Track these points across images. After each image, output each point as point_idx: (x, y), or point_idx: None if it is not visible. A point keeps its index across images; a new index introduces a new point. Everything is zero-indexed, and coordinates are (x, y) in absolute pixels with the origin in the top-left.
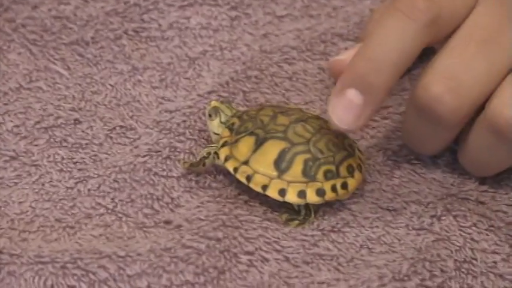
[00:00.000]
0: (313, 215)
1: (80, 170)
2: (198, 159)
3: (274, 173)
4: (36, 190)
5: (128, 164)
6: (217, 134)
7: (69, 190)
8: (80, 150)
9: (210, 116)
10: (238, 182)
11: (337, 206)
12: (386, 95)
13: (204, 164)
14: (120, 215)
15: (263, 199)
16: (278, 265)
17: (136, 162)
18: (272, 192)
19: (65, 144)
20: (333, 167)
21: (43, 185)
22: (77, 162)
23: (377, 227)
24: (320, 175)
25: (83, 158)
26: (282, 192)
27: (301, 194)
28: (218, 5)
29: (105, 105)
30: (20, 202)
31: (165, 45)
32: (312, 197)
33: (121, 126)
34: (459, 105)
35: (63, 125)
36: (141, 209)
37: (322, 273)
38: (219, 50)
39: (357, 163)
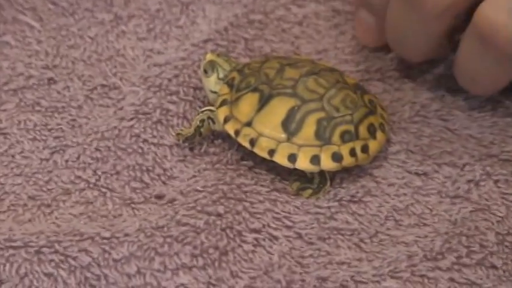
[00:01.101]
0: (328, 183)
1: (55, 138)
2: (192, 129)
3: (283, 136)
4: (5, 163)
5: (111, 130)
6: (215, 93)
7: (44, 162)
8: (56, 114)
9: (205, 72)
10: (241, 146)
11: (357, 172)
12: None
13: (200, 134)
14: (103, 189)
15: (270, 165)
16: (289, 243)
17: (121, 127)
18: (280, 158)
19: (37, 108)
20: (351, 127)
21: (13, 156)
22: (52, 129)
23: (404, 194)
24: (336, 137)
25: (59, 124)
26: (292, 157)
27: (315, 159)
28: None
29: (83, 61)
30: None
31: None
32: (327, 163)
33: (103, 85)
34: None
35: (35, 86)
36: (128, 182)
37: (341, 251)
38: None
39: (379, 122)
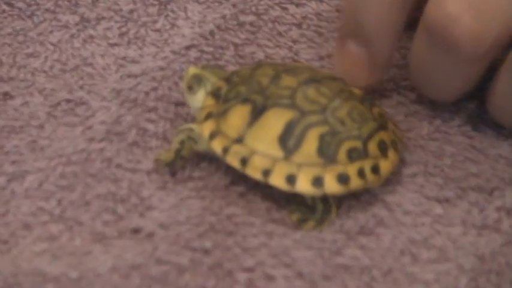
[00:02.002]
0: (334, 212)
1: (13, 162)
2: (171, 153)
3: (280, 153)
4: None
5: (78, 153)
6: None
7: (0, 191)
8: (13, 135)
9: (190, 88)
10: (230, 167)
11: (367, 198)
12: (390, 44)
13: (181, 157)
14: (70, 223)
15: (265, 191)
16: (288, 284)
17: (91, 149)
18: (277, 180)
19: None
20: (359, 144)
21: None
22: (8, 152)
23: (422, 224)
24: (342, 155)
25: (17, 146)
26: (291, 179)
27: (317, 181)
28: None
29: (45, 72)
30: None
31: None
32: (331, 186)
33: (68, 101)
34: (481, 30)
35: None
36: (99, 214)
37: None
38: None
39: (390, 138)
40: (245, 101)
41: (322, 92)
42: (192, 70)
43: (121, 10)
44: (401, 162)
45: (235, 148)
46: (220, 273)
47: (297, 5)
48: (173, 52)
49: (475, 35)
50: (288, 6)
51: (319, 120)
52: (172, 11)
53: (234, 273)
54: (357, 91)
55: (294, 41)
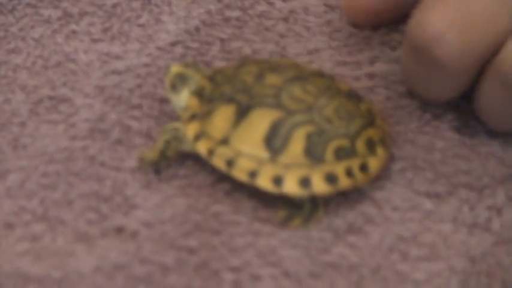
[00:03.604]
0: (321, 210)
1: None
2: (156, 153)
3: (266, 155)
4: None
5: (61, 151)
6: None
7: None
8: None
9: (173, 87)
10: (216, 168)
11: (355, 195)
12: None
13: (166, 157)
14: (53, 222)
15: (252, 189)
16: (275, 283)
17: (74, 147)
18: (263, 181)
19: None
20: (346, 142)
21: None
22: None
23: (411, 220)
24: (329, 154)
25: None
26: (278, 180)
27: (305, 182)
28: None
29: (27, 68)
30: None
31: None
32: (319, 186)
33: (50, 98)
34: (466, 46)
35: None
36: (82, 213)
37: None
38: None
39: (379, 135)
40: (229, 101)
41: (308, 90)
42: (175, 69)
43: (104, 5)
44: (390, 159)
45: (221, 150)
46: (206, 273)
47: (284, 0)
48: (158, 48)
49: (460, 51)
50: (274, 0)
51: (306, 119)
52: (157, 6)
53: (220, 273)
54: (344, 87)
55: (281, 36)
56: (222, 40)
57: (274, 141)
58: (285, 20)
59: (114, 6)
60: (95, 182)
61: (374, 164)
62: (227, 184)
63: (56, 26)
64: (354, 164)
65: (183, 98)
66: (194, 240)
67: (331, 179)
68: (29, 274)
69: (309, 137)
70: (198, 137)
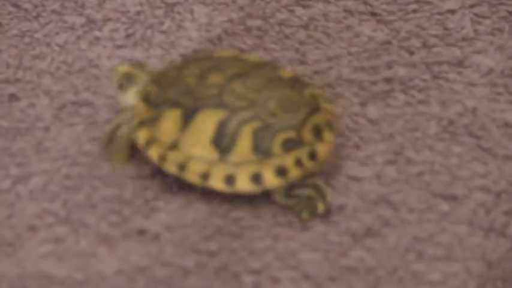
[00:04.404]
0: (326, 189)
1: (18, 165)
2: (106, 134)
3: (215, 155)
4: None
5: (84, 154)
6: None
7: (5, 193)
8: (18, 137)
9: (121, 86)
10: None
11: (373, 198)
12: None
13: (119, 143)
14: (75, 225)
15: (271, 195)
16: (294, 286)
17: (96, 151)
18: (216, 182)
19: None
20: (293, 133)
21: None
22: (14, 154)
23: (428, 221)
24: (277, 147)
25: (22, 148)
26: (230, 179)
27: (256, 178)
28: None
29: (51, 73)
30: None
31: None
32: (271, 180)
33: (73, 103)
34: None
35: None
36: (105, 215)
37: None
38: None
39: (325, 119)
40: (175, 105)
41: (251, 86)
42: (122, 69)
43: (128, 12)
44: (408, 161)
45: (172, 155)
46: (226, 276)
47: (304, 7)
48: (180, 55)
49: None
50: (295, 8)
51: (250, 116)
52: (179, 13)
53: (240, 276)
54: (286, 74)
55: (301, 43)
56: (242, 50)
57: (222, 141)
58: (305, 27)
59: (138, 13)
60: (116, 185)
61: (322, 149)
62: None
63: (79, 32)
64: (303, 153)
65: (130, 97)
66: (215, 244)
67: (281, 171)
68: (52, 276)
69: (255, 133)
70: (148, 144)
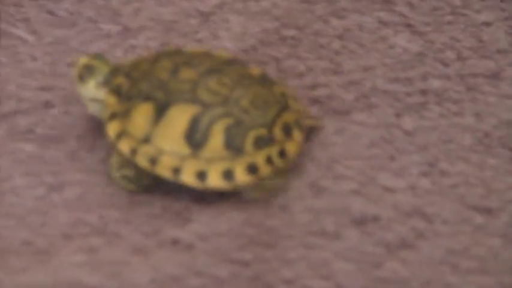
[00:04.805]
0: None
1: (53, 173)
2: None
3: (187, 150)
4: None
5: None
6: (97, 101)
7: (39, 201)
8: (53, 145)
9: (81, 78)
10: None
11: (407, 209)
12: None
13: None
14: (110, 236)
15: (304, 204)
16: None
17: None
18: (187, 177)
19: (31, 136)
20: (264, 131)
21: (3, 194)
22: (47, 161)
23: (462, 234)
24: (249, 145)
25: (57, 156)
26: (201, 175)
27: (228, 174)
28: None
29: None
30: None
31: None
32: (242, 177)
33: None
34: None
35: (29, 111)
36: (139, 227)
37: None
38: (242, 0)
39: (293, 118)
40: (147, 98)
41: (224, 82)
42: (83, 60)
43: (163, 20)
44: (442, 173)
45: (143, 148)
46: (259, 286)
47: (339, 18)
48: None
49: None
50: (329, 18)
51: (223, 112)
52: (214, 22)
53: (273, 286)
54: (256, 72)
55: (336, 53)
56: (277, 59)
57: (194, 137)
58: (340, 37)
59: (173, 22)
60: (151, 194)
61: (292, 148)
62: (281, 199)
63: (115, 40)
64: (273, 151)
65: (91, 88)
66: (248, 254)
67: (252, 169)
68: (85, 284)
69: (227, 130)
70: (119, 136)
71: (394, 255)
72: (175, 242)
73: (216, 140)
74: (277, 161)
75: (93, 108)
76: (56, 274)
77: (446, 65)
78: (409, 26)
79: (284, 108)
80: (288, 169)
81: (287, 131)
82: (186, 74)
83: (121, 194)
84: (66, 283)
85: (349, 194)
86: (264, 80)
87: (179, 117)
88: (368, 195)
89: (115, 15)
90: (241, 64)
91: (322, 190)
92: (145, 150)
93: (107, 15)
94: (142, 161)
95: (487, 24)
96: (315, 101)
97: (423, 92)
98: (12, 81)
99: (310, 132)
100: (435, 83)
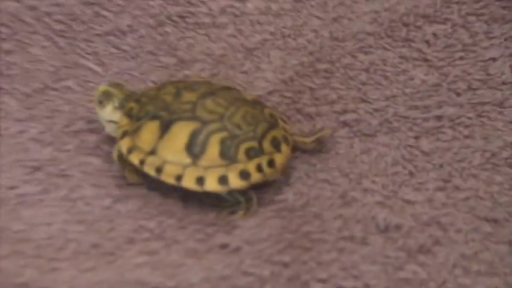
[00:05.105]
0: (255, 201)
1: (118, 186)
2: (117, 163)
3: (188, 160)
4: (66, 208)
5: (175, 189)
6: (113, 122)
7: (106, 210)
8: None
9: (100, 102)
10: (305, 192)
11: (425, 219)
12: None
13: (129, 165)
14: (168, 241)
15: (336, 212)
16: None
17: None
18: (188, 183)
19: (98, 152)
20: (255, 143)
21: (74, 202)
22: (113, 175)
23: (473, 240)
24: (241, 154)
25: (121, 172)
26: (200, 180)
27: (223, 179)
28: None
29: None
30: (48, 224)
31: (216, 33)
32: (235, 182)
33: None
34: None
35: (96, 130)
36: (192, 234)
37: None
38: (281, 38)
39: (282, 134)
40: (154, 117)
41: (218, 103)
42: (102, 88)
43: (213, 54)
44: (455, 188)
45: (150, 159)
46: (297, 284)
47: (365, 53)
48: (258, 96)
49: None
50: (357, 54)
51: (219, 127)
52: (257, 56)
53: (309, 284)
54: (249, 97)
55: (363, 84)
56: (311, 89)
57: (194, 148)
58: (366, 70)
59: (222, 55)
60: (202, 210)
61: (279, 159)
62: (316, 207)
63: (172, 71)
64: (263, 160)
65: (108, 111)
66: (287, 256)
67: (244, 175)
68: (147, 282)
69: (222, 142)
70: (130, 150)
71: (414, 259)
72: (224, 246)
73: (213, 151)
74: (267, 169)
75: (109, 129)
76: (121, 273)
77: (458, 94)
78: (426, 60)
79: (273, 125)
80: (277, 178)
81: (275, 144)
82: (187, 96)
83: (177, 205)
84: (130, 281)
85: (375, 205)
86: (256, 103)
87: (181, 132)
88: (391, 206)
89: (171, 49)
90: (236, 90)
91: (351, 201)
92: (152, 161)
93: (165, 49)
94: (149, 170)
95: (494, 59)
96: (345, 124)
97: (438, 118)
98: (83, 106)
99: (322, 142)
100: (449, 110)
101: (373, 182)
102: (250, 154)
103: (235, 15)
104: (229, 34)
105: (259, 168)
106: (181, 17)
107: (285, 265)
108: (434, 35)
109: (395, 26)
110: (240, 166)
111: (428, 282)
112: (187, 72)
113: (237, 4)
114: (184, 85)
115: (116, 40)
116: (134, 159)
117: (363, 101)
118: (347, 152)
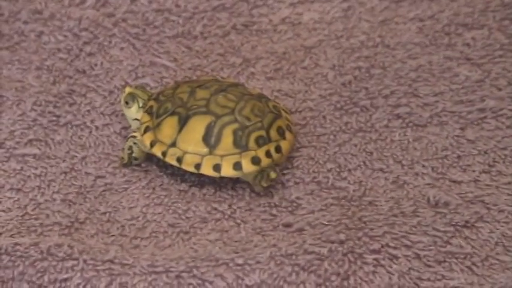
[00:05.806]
0: (273, 173)
1: (192, 174)
2: (125, 155)
3: (205, 150)
4: (147, 195)
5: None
6: (138, 120)
7: (183, 193)
8: None
9: (126, 103)
10: (364, 180)
11: (470, 198)
12: None
13: (135, 159)
14: (237, 220)
15: (389, 195)
16: (408, 263)
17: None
18: (206, 170)
19: None
20: (263, 133)
21: (153, 189)
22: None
23: None
24: (252, 143)
25: None
26: (217, 167)
27: (237, 165)
28: (330, 1)
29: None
30: (131, 207)
31: (278, 37)
32: (248, 167)
33: None
34: None
35: None
36: (259, 214)
37: (454, 275)
38: (335, 38)
39: (285, 124)
40: (172, 113)
41: (229, 98)
42: (128, 90)
43: (276, 52)
44: (499, 173)
45: (171, 151)
46: (352, 258)
47: (413, 58)
48: (320, 96)
49: None
50: (406, 60)
51: (231, 120)
52: (315, 54)
53: (363, 256)
54: (254, 92)
55: (413, 80)
56: (367, 89)
57: (210, 139)
58: (415, 70)
59: (284, 53)
60: (267, 193)
61: (285, 145)
62: (371, 196)
63: (239, 69)
64: (271, 147)
65: (133, 111)
66: (343, 235)
67: (255, 161)
68: (218, 258)
69: (235, 132)
70: (153, 144)
71: (460, 234)
72: (288, 226)
73: (227, 141)
74: (275, 154)
75: (134, 126)
76: (195, 250)
77: (499, 89)
78: (469, 59)
79: (277, 116)
80: (282, 164)
81: (281, 132)
82: (201, 94)
83: (246, 190)
84: (203, 257)
85: (425, 186)
86: (260, 97)
87: (197, 125)
88: (440, 186)
89: (237, 51)
90: (242, 86)
91: (404, 184)
92: (173, 152)
93: (231, 50)
94: (171, 160)
95: None
96: (398, 117)
97: (482, 110)
98: None
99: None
100: (491, 103)
101: (424, 166)
102: (259, 142)
103: (294, 24)
104: (289, 37)
105: (268, 154)
106: (245, 25)
107: (341, 242)
108: (474, 39)
109: (439, 35)
110: (251, 153)
111: (473, 257)
112: (252, 69)
113: (294, 16)
114: (197, 84)
115: (187, 42)
116: (157, 151)
117: (414, 95)
118: (400, 139)
